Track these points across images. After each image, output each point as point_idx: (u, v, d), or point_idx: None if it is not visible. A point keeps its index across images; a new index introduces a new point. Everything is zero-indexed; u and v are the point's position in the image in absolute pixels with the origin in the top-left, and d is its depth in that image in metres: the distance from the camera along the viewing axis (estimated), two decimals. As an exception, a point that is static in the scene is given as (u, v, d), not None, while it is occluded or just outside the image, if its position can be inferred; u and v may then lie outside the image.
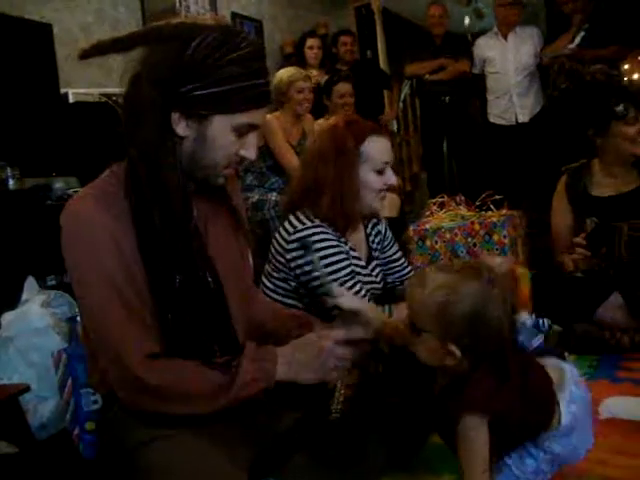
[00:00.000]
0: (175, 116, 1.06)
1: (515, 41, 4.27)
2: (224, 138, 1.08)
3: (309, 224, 1.62)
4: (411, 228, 3.11)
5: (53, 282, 2.43)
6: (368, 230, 1.85)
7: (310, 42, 4.41)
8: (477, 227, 2.95)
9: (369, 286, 1.74)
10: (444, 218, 3.12)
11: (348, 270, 1.61)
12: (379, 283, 1.81)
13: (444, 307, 1.03)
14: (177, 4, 4.04)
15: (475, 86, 4.49)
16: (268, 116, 3.21)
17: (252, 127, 1.11)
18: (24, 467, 1.53)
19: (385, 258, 1.88)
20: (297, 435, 1.20)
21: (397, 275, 1.90)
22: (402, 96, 5.21)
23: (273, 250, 1.69)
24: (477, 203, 3.13)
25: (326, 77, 3.96)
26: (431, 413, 1.15)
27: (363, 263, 1.74)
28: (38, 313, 1.95)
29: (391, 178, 1.67)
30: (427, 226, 3.08)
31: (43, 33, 2.92)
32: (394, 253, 1.90)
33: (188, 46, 1.02)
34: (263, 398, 1.12)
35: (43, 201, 2.63)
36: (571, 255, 2.19)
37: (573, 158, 2.51)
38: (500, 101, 4.32)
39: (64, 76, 3.03)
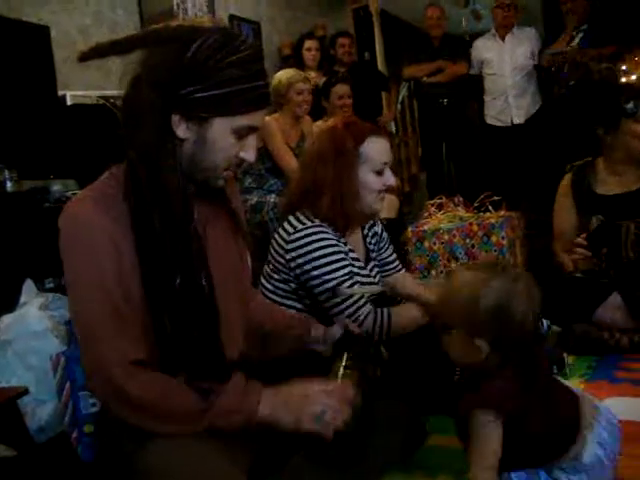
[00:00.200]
0: (175, 118, 1.05)
1: (512, 42, 4.28)
2: (224, 140, 1.08)
3: (309, 224, 1.62)
4: (409, 229, 3.12)
5: (51, 285, 2.42)
6: (365, 231, 1.85)
7: (308, 44, 4.41)
8: (475, 228, 2.96)
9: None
10: (442, 219, 3.13)
11: (347, 270, 1.61)
12: (377, 284, 1.81)
13: (470, 302, 1.06)
14: (175, 6, 4.04)
15: (473, 88, 4.50)
16: (267, 118, 3.21)
17: (252, 129, 1.11)
18: (23, 470, 1.53)
19: (381, 260, 1.89)
20: (296, 436, 1.20)
21: (392, 277, 1.91)
22: (400, 98, 5.22)
23: (272, 251, 1.69)
24: (475, 204, 3.13)
25: (324, 79, 3.97)
26: (449, 404, 1.17)
27: (362, 264, 1.75)
28: (36, 316, 1.94)
29: (390, 179, 1.67)
30: (425, 227, 3.08)
31: (41, 35, 2.91)
32: (389, 255, 1.91)
33: (188, 48, 1.02)
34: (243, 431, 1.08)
35: (41, 204, 2.62)
36: (571, 255, 2.20)
37: (571, 158, 2.52)
38: (496, 102, 4.34)
39: (62, 78, 3.03)
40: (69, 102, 3.01)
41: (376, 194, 1.66)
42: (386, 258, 1.90)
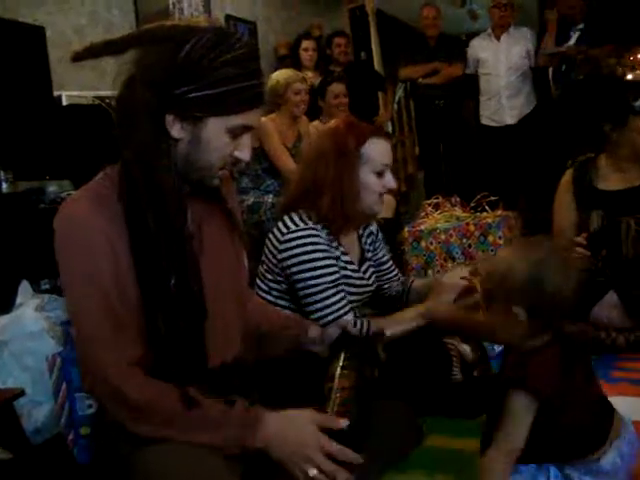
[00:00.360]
0: (169, 118, 1.05)
1: (508, 42, 4.29)
2: (219, 140, 1.08)
3: (302, 226, 1.62)
4: (406, 229, 3.11)
5: (47, 286, 2.41)
6: (360, 231, 1.85)
7: (305, 44, 4.41)
8: (472, 228, 2.96)
9: (362, 289, 1.75)
10: (439, 219, 3.12)
11: (333, 277, 1.61)
12: (372, 285, 1.81)
13: (507, 272, 1.12)
14: (171, 6, 4.03)
15: (469, 88, 4.51)
16: (263, 119, 3.20)
17: (247, 128, 1.10)
18: (19, 472, 1.52)
19: (377, 259, 1.89)
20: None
21: (385, 278, 1.91)
22: (396, 98, 5.22)
23: (266, 251, 1.69)
24: (472, 204, 3.13)
25: (321, 79, 3.97)
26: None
27: (355, 267, 1.74)
28: (32, 317, 1.94)
29: (390, 181, 1.67)
30: (422, 227, 3.08)
31: (36, 36, 2.90)
32: (383, 255, 1.92)
33: (182, 48, 1.02)
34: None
35: (36, 205, 2.62)
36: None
37: (568, 157, 2.52)
38: (491, 103, 4.35)
39: (57, 79, 3.02)
40: (65, 102, 3.00)
41: (377, 196, 1.66)
42: (381, 258, 1.90)
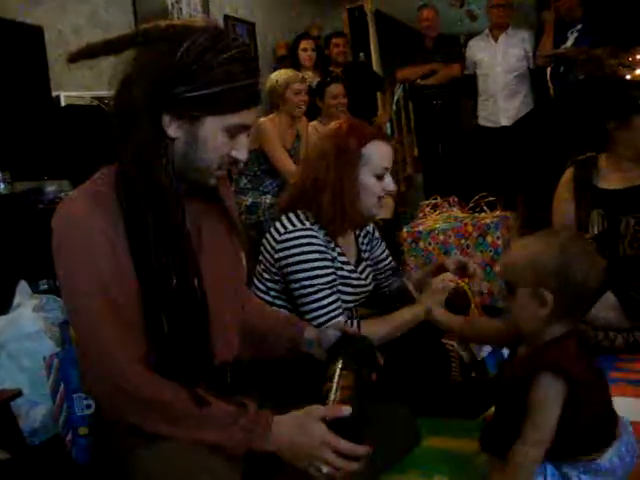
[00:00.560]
0: (166, 118, 1.05)
1: (505, 43, 4.29)
2: (215, 139, 1.08)
3: (299, 226, 1.62)
4: (404, 230, 3.12)
5: (45, 286, 2.41)
6: (357, 231, 1.85)
7: (304, 44, 4.41)
8: (470, 229, 2.96)
9: (359, 289, 1.75)
10: (437, 220, 3.12)
11: (329, 279, 1.61)
12: (369, 285, 1.81)
13: (538, 256, 1.14)
14: (169, 6, 4.03)
15: (467, 88, 4.51)
16: (262, 119, 3.20)
17: (243, 127, 1.10)
18: (16, 473, 1.52)
19: (374, 258, 1.89)
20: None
21: (383, 275, 1.91)
22: (395, 98, 5.22)
23: (264, 251, 1.69)
24: (470, 205, 3.13)
25: (319, 79, 3.97)
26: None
27: (352, 267, 1.74)
28: (30, 318, 1.94)
29: (390, 185, 1.67)
30: (420, 228, 3.08)
31: (34, 36, 2.90)
32: (381, 253, 1.91)
33: (179, 48, 1.01)
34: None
35: (35, 205, 2.62)
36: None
37: (566, 159, 2.51)
38: (487, 104, 4.35)
39: (55, 79, 3.02)
40: (63, 103, 3.01)
41: (376, 199, 1.67)
42: (378, 256, 1.90)
